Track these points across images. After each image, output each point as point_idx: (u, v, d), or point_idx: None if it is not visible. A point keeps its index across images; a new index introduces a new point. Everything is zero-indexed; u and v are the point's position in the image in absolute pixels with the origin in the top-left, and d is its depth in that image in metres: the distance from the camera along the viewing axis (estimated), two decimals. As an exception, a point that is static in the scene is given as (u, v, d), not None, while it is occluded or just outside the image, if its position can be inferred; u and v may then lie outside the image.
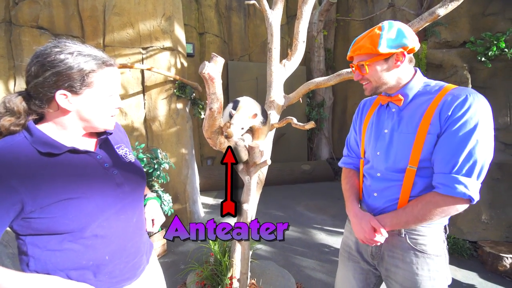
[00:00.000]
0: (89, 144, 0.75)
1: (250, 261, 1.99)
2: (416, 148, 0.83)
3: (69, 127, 0.68)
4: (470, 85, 2.87)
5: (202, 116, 3.90)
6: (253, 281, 2.07)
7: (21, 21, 3.21)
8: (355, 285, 1.04)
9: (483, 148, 0.75)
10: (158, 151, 2.62)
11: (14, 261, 1.76)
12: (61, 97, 0.64)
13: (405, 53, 0.84)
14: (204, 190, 4.73)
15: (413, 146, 0.83)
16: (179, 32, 3.45)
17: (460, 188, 0.75)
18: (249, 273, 1.80)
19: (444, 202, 0.78)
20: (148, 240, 0.89)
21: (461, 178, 0.75)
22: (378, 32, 0.83)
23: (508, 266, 2.31)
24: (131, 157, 0.83)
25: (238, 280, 1.68)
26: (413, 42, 0.84)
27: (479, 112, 0.76)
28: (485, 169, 0.77)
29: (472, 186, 0.76)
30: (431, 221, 0.81)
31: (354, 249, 1.05)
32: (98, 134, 0.78)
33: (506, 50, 2.70)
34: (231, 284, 1.79)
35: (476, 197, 0.76)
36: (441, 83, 0.87)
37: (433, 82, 0.89)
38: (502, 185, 2.69)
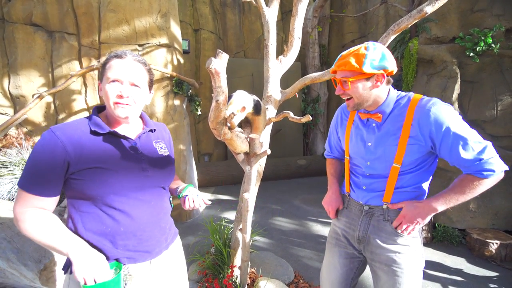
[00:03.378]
0: (133, 133, 0.90)
1: (250, 252, 2.07)
2: (399, 154, 0.97)
3: (108, 113, 0.86)
4: (459, 80, 2.97)
5: (199, 112, 3.94)
6: (253, 270, 2.15)
7: (14, 18, 3.18)
8: (339, 269, 1.15)
9: (473, 134, 0.88)
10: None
11: (19, 256, 1.79)
12: (100, 86, 0.85)
13: (385, 75, 0.93)
14: (202, 186, 4.78)
15: (396, 153, 0.97)
16: (175, 29, 3.47)
17: (491, 170, 0.87)
18: (249, 263, 1.88)
19: (492, 180, 0.89)
20: (173, 227, 0.98)
21: (487, 164, 0.87)
22: (364, 52, 0.90)
23: (493, 251, 2.44)
24: (164, 152, 0.95)
25: (239, 268, 1.75)
26: (393, 66, 0.93)
27: (448, 116, 0.89)
28: (480, 139, 0.88)
29: (497, 162, 0.87)
30: (476, 195, 0.91)
31: (342, 235, 1.16)
32: (143, 128, 0.94)
33: (493, 45, 2.80)
34: (232, 272, 1.86)
35: (505, 167, 0.88)
36: (408, 94, 1.00)
37: (402, 94, 1.01)
38: (489, 175, 2.81)
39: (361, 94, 0.95)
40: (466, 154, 0.88)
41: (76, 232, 0.79)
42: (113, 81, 0.80)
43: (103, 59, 0.80)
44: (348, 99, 1.00)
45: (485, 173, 0.87)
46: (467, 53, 2.91)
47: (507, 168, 0.88)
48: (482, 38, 2.83)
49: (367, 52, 0.90)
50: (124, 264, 0.80)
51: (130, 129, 0.90)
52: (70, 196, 0.80)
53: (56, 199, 0.78)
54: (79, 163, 0.76)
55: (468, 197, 0.91)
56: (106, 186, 0.78)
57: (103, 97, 0.83)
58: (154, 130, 0.97)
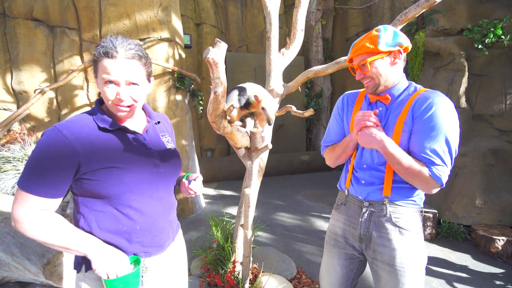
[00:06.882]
0: (139, 127, 0.87)
1: (252, 247, 2.06)
2: (394, 140, 0.95)
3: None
4: (466, 73, 2.90)
5: (201, 107, 3.91)
6: (255, 265, 2.14)
7: (15, 13, 3.16)
8: (339, 271, 1.13)
9: (452, 138, 0.88)
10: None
11: (23, 251, 1.81)
12: (96, 80, 0.79)
13: (402, 51, 0.95)
14: (205, 182, 4.76)
15: (392, 139, 0.95)
16: (176, 23, 3.42)
17: (438, 177, 0.89)
18: (251, 258, 1.87)
19: (429, 180, 0.91)
20: (176, 220, 0.99)
21: (437, 168, 0.89)
22: (376, 33, 0.94)
23: (500, 247, 2.40)
24: (171, 146, 0.94)
25: (241, 263, 1.74)
26: (407, 41, 0.96)
27: (442, 109, 0.88)
28: (454, 155, 0.91)
29: (445, 174, 0.90)
30: (411, 182, 0.94)
31: (341, 235, 1.13)
32: (148, 120, 0.91)
33: (503, 37, 2.72)
34: (234, 267, 1.85)
35: (443, 184, 0.91)
36: (418, 86, 1.01)
37: (413, 84, 1.01)
38: (496, 171, 2.76)
39: (381, 73, 0.96)
40: (429, 145, 0.88)
41: (90, 231, 0.77)
42: (109, 82, 0.74)
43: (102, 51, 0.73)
44: (367, 82, 1.00)
45: (436, 175, 0.88)
46: (476, 45, 2.83)
47: (443, 186, 0.91)
48: (492, 29, 2.74)
49: (379, 33, 0.93)
50: (142, 258, 0.82)
51: (136, 122, 0.87)
52: (81, 195, 0.77)
53: (60, 199, 0.75)
54: (92, 163, 0.73)
55: (402, 168, 0.91)
56: (122, 186, 0.76)
57: (102, 95, 0.79)
58: (159, 122, 0.95)
